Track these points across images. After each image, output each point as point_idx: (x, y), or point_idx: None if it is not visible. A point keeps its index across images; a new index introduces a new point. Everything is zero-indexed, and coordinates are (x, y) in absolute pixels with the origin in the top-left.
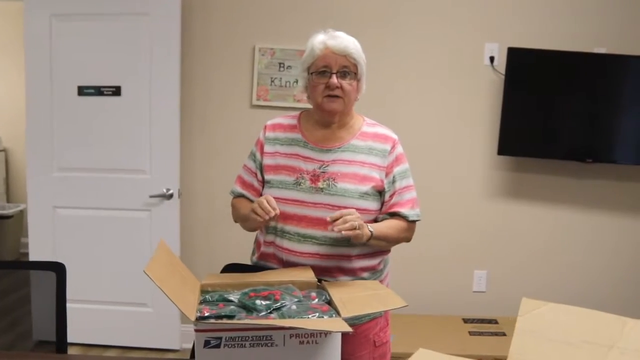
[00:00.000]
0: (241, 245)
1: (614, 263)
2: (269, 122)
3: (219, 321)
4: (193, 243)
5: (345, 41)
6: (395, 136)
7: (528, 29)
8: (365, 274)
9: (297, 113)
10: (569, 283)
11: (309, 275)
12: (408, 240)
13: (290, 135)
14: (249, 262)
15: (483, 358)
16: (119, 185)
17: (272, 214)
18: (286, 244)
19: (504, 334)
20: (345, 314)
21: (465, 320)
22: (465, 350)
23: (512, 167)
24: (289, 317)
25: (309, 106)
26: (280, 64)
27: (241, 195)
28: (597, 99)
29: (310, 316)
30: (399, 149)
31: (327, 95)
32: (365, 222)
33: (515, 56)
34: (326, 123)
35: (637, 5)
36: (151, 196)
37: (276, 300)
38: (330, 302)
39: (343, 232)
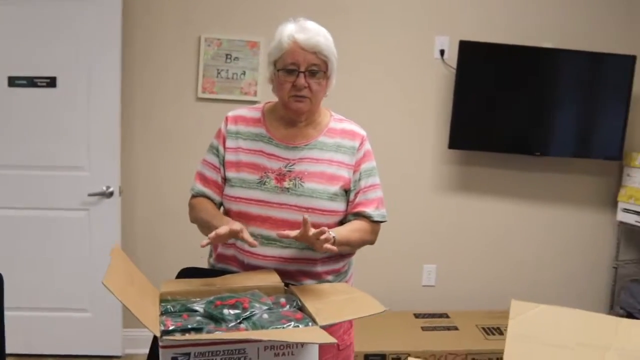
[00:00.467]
0: (189, 246)
1: (564, 255)
2: (230, 114)
3: (187, 336)
4: (136, 244)
5: (316, 35)
6: (363, 132)
7: (477, 23)
8: (329, 277)
9: (260, 105)
10: (518, 276)
11: (274, 280)
12: (372, 242)
13: (254, 129)
14: (202, 265)
15: (437, 354)
16: (55, 183)
17: (213, 236)
18: (249, 247)
19: (456, 328)
20: (322, 321)
21: (417, 315)
22: (420, 346)
23: (462, 160)
24: (262, 327)
25: (255, 99)
26: (227, 55)
27: (202, 194)
28: (545, 92)
29: (284, 325)
30: (367, 146)
31: (293, 95)
32: (332, 224)
33: (467, 49)
34: (292, 120)
35: (583, 0)
36: (90, 194)
37: (245, 309)
38: (302, 309)
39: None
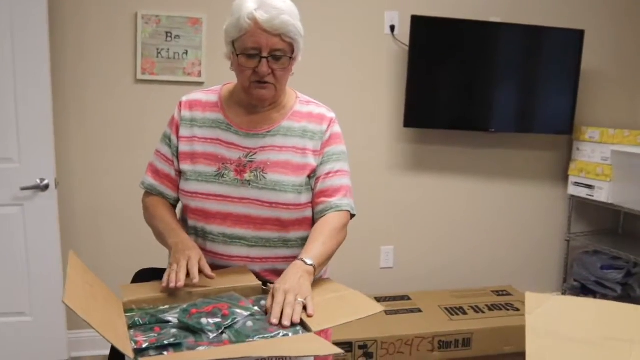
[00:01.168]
0: (138, 243)
1: (519, 230)
2: (184, 98)
3: (167, 355)
4: (77, 242)
5: (280, 14)
6: (332, 114)
7: None
8: None
9: (217, 87)
10: (475, 254)
11: (250, 279)
12: (343, 239)
13: (210, 115)
14: (159, 265)
15: (404, 338)
16: None
17: (173, 285)
18: (210, 246)
19: (419, 311)
20: (315, 327)
21: (378, 299)
22: (386, 331)
23: (417, 139)
24: (247, 336)
25: (200, 80)
26: (167, 33)
27: (153, 189)
28: (496, 68)
29: (272, 334)
30: (336, 128)
31: (255, 81)
32: (299, 219)
33: (419, 24)
34: (253, 106)
35: None
36: (22, 188)
37: (225, 316)
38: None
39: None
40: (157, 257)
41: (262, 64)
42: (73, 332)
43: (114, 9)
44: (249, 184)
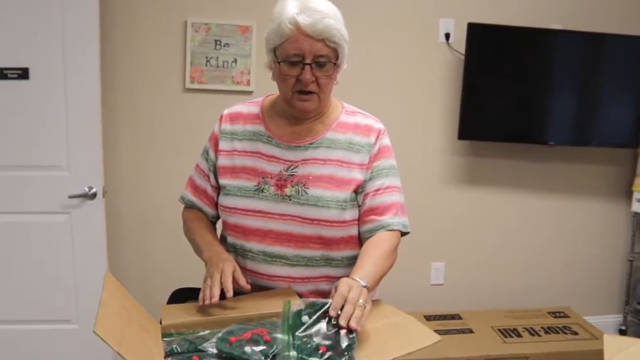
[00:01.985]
0: (182, 252)
1: (577, 248)
2: (225, 112)
3: None
4: (123, 250)
5: (324, 18)
6: (380, 125)
7: (481, 5)
8: None
9: (260, 99)
10: (530, 272)
11: (294, 302)
12: (394, 261)
13: (251, 127)
14: (195, 282)
15: None
16: (31, 185)
17: (208, 302)
18: (250, 264)
19: (470, 331)
20: None
21: (428, 318)
22: (436, 352)
23: (471, 151)
24: None
25: (249, 89)
26: (216, 41)
27: (192, 205)
28: (556, 78)
29: None
30: (385, 141)
31: (298, 91)
32: (344, 237)
33: (476, 32)
34: (296, 117)
35: None
36: (70, 196)
37: (267, 342)
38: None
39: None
40: (195, 271)
41: (305, 71)
42: None
43: (164, 16)
44: (290, 199)
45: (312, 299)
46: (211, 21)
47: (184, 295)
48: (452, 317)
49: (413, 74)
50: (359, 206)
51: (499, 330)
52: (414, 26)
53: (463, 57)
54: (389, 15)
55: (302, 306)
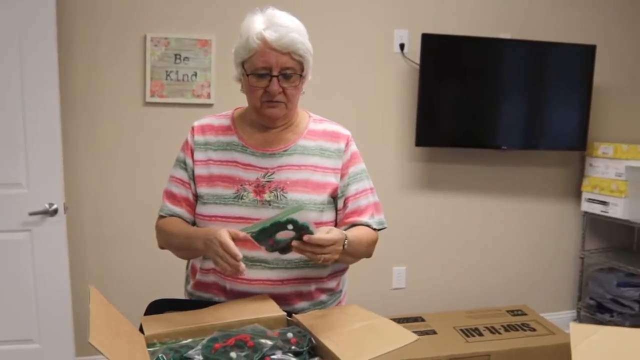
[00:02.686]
0: (150, 269)
1: (532, 248)
2: (196, 123)
3: None
4: (87, 268)
5: (289, 33)
6: (348, 132)
7: (434, 16)
8: (323, 297)
9: (229, 112)
10: (489, 272)
11: (273, 309)
12: (369, 255)
13: (224, 138)
14: (169, 294)
15: None
16: None
17: (239, 273)
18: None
19: (434, 332)
20: None
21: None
22: (401, 355)
23: (429, 157)
24: None
25: (209, 101)
26: (176, 55)
27: (173, 215)
28: (507, 85)
29: None
30: (354, 147)
31: (267, 101)
32: None
33: (429, 43)
34: (266, 126)
35: None
36: (31, 213)
37: (251, 347)
38: (315, 347)
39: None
40: (168, 284)
41: (272, 82)
42: (81, 358)
43: (123, 31)
44: (270, 204)
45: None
46: (170, 35)
47: (161, 307)
48: (415, 319)
49: (370, 83)
50: (337, 210)
51: (461, 330)
52: (369, 37)
53: (418, 67)
54: (344, 27)
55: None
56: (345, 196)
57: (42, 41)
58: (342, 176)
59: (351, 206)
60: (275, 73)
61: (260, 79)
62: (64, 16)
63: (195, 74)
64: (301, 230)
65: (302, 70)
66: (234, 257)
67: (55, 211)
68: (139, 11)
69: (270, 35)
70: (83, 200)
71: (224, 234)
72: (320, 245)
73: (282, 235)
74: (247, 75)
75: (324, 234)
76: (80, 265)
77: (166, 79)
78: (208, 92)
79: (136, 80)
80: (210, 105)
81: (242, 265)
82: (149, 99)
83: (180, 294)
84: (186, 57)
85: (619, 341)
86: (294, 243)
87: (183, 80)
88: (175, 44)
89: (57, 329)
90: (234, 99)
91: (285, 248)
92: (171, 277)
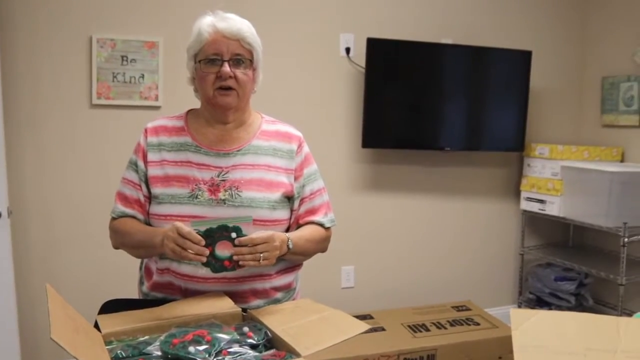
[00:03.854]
0: (97, 272)
1: (475, 246)
2: (149, 125)
3: None
4: (32, 273)
5: (238, 23)
6: (299, 134)
7: (379, 21)
8: (278, 294)
9: (181, 113)
10: (434, 270)
11: (228, 305)
12: (324, 250)
13: (178, 139)
14: (119, 294)
15: (369, 357)
16: None
17: (204, 258)
18: (185, 269)
19: (382, 329)
20: (304, 351)
21: None
22: (351, 351)
23: (375, 159)
24: None
25: (157, 104)
26: (123, 57)
27: (124, 216)
28: (448, 88)
29: None
30: (306, 148)
31: (219, 88)
32: None
33: (374, 47)
34: (219, 121)
35: None
36: None
37: (209, 342)
38: (270, 338)
39: (243, 263)
40: (116, 287)
41: (224, 66)
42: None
43: (68, 32)
44: (224, 203)
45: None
46: (117, 37)
47: (115, 307)
48: (364, 317)
49: (317, 87)
50: (292, 210)
51: (409, 326)
52: (315, 41)
53: (363, 70)
54: (291, 31)
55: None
56: (301, 197)
57: None
58: (296, 178)
59: (306, 206)
60: (226, 58)
61: (212, 65)
62: (4, 16)
63: (143, 76)
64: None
65: (252, 58)
66: (197, 242)
67: None
68: (85, 12)
69: (221, 24)
70: (28, 204)
71: (178, 229)
72: (253, 244)
73: (221, 248)
74: (199, 62)
75: (254, 237)
76: (26, 270)
77: (113, 80)
78: (156, 94)
79: (82, 82)
80: (157, 107)
81: (206, 250)
82: (95, 101)
83: (131, 295)
84: (133, 59)
85: (555, 323)
86: (234, 250)
87: (130, 82)
88: (122, 46)
89: (2, 335)
90: (182, 101)
91: (219, 267)
92: (122, 278)
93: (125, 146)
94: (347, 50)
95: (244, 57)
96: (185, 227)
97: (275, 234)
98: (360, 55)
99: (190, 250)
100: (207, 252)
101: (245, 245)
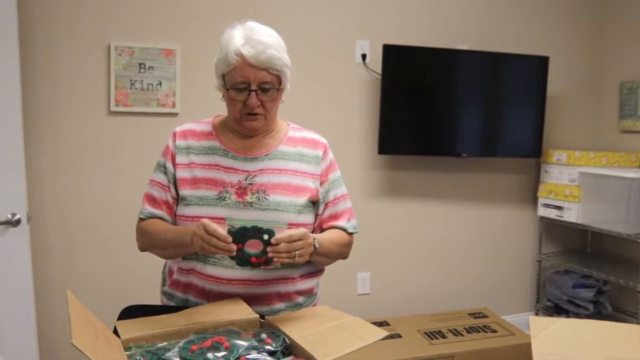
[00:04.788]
0: (117, 276)
1: (492, 252)
2: (178, 129)
3: None
4: (51, 280)
5: (267, 49)
6: (325, 140)
7: (394, 27)
8: (300, 299)
9: (209, 119)
10: (451, 277)
11: (246, 311)
12: (345, 256)
13: (206, 143)
14: (140, 299)
15: None
16: None
17: (234, 248)
18: (211, 270)
19: (399, 336)
20: (323, 358)
21: None
22: (368, 357)
23: (391, 165)
24: None
25: (174, 110)
26: (140, 64)
27: (152, 217)
28: (465, 94)
29: None
30: (331, 155)
31: (246, 113)
32: None
33: (390, 53)
34: (246, 136)
35: (497, 2)
36: None
37: (227, 348)
38: (288, 346)
39: (277, 260)
40: (138, 290)
41: (251, 96)
42: None
43: (87, 40)
44: (252, 206)
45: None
46: (135, 45)
47: (134, 313)
48: (380, 323)
49: (333, 93)
50: (317, 215)
51: (425, 333)
52: (331, 48)
53: (379, 77)
54: (307, 38)
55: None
56: (325, 202)
57: (3, 50)
58: (321, 183)
59: (330, 211)
60: (253, 88)
61: (239, 93)
62: (25, 25)
63: (160, 83)
64: (270, 243)
65: (280, 83)
66: (224, 239)
67: (18, 221)
68: (103, 20)
69: (248, 51)
70: (48, 210)
71: (208, 220)
72: (291, 240)
73: (250, 246)
74: (227, 89)
75: (286, 234)
76: (45, 276)
77: (131, 88)
78: (173, 101)
79: (100, 89)
80: (175, 114)
81: (233, 245)
82: (113, 108)
83: (150, 301)
84: (151, 67)
85: (575, 331)
86: (269, 249)
87: (148, 89)
88: (140, 54)
89: (21, 341)
90: (199, 108)
91: (245, 261)
92: (141, 283)
93: (143, 152)
94: (363, 56)
95: (271, 85)
96: (212, 225)
97: (303, 230)
98: (376, 61)
99: (217, 248)
100: (235, 248)
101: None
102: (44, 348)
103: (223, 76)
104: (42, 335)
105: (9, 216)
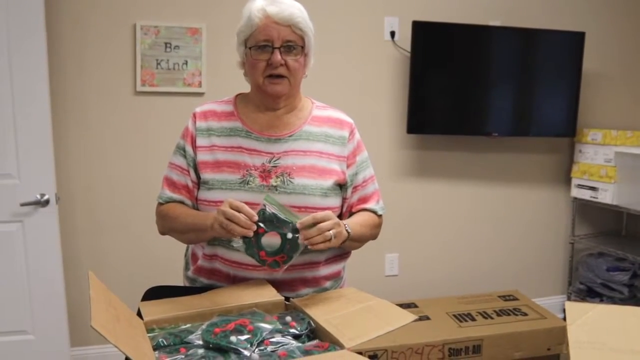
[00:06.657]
0: (143, 256)
1: (523, 234)
2: (198, 109)
3: None
4: (79, 259)
5: (290, 7)
6: (351, 120)
7: (423, 3)
8: (327, 283)
9: (230, 97)
10: (480, 259)
11: (271, 294)
12: (375, 237)
13: (227, 124)
14: (165, 280)
15: (414, 347)
16: None
17: (254, 228)
18: (235, 256)
19: (427, 318)
20: (348, 342)
21: None
22: (396, 340)
23: (420, 145)
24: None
25: (200, 90)
26: (166, 44)
27: (172, 202)
28: (497, 72)
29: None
30: (357, 135)
31: (269, 75)
32: None
33: (420, 30)
34: (270, 107)
35: None
36: (22, 204)
37: (251, 331)
38: (313, 328)
39: (314, 246)
40: (163, 272)
41: (274, 53)
42: (76, 349)
43: (113, 20)
44: (276, 189)
45: (283, 312)
46: (160, 24)
47: (158, 293)
48: (409, 305)
49: (361, 71)
50: (344, 198)
51: (454, 315)
52: (360, 25)
53: (408, 54)
54: (335, 16)
55: (277, 210)
56: (354, 185)
57: (31, 32)
58: (349, 165)
59: (359, 194)
60: (277, 45)
61: (263, 52)
62: (52, 6)
63: (186, 63)
64: (290, 242)
65: (304, 44)
66: (250, 217)
67: (47, 202)
68: (128, 0)
69: (271, 9)
70: (75, 190)
71: (231, 203)
72: (316, 221)
73: (269, 237)
74: (250, 49)
75: (312, 217)
76: (73, 256)
77: (157, 67)
78: (199, 80)
79: (126, 69)
80: (201, 94)
81: (253, 225)
82: (139, 88)
83: (175, 282)
84: (177, 46)
85: (613, 318)
86: (302, 231)
87: (174, 69)
88: (166, 33)
89: (51, 319)
90: (226, 87)
91: (254, 253)
92: (166, 265)
93: (170, 133)
94: (392, 34)
95: (295, 44)
96: (238, 202)
97: (329, 212)
98: (405, 39)
99: (238, 224)
100: (254, 228)
101: (307, 229)
102: (74, 327)
103: (245, 41)
104: (71, 312)
105: (38, 196)
